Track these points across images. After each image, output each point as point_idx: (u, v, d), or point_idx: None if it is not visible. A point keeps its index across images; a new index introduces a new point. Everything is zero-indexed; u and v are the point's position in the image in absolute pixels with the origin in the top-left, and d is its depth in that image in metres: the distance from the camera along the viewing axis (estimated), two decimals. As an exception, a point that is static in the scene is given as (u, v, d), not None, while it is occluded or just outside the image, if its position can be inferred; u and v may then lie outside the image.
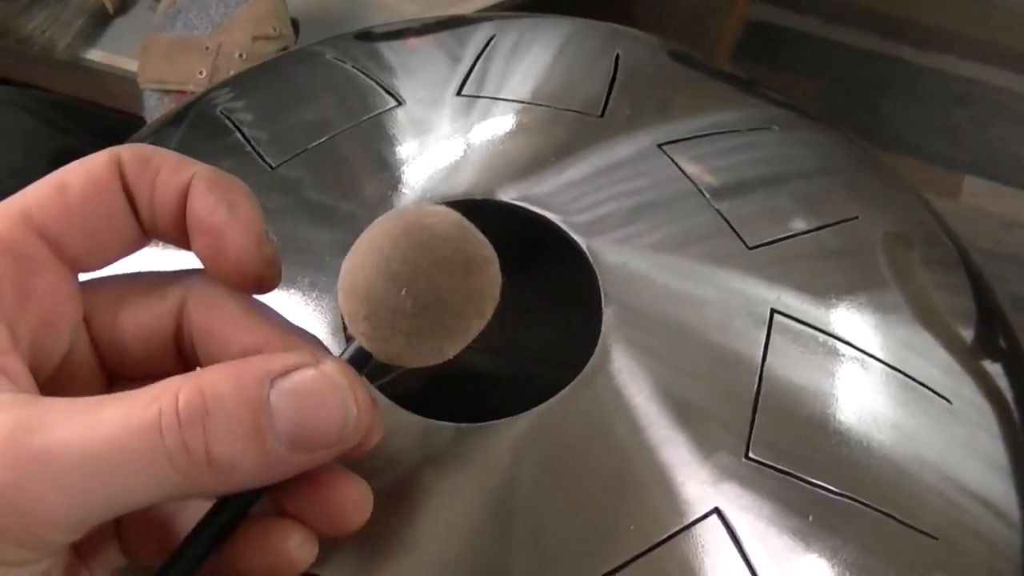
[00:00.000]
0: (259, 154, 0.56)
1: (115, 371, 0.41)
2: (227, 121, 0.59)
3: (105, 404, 0.33)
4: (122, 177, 0.38)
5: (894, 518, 0.46)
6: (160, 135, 0.62)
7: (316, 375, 0.35)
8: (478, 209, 0.52)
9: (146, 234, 0.40)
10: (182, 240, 0.40)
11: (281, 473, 0.35)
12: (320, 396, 0.35)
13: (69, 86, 1.20)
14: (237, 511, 0.38)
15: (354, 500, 0.39)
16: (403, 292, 0.37)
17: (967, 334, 0.54)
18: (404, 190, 0.53)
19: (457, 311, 0.38)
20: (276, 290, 0.48)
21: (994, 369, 0.53)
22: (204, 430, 0.33)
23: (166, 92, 1.07)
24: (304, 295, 0.50)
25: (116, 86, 1.19)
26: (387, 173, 0.54)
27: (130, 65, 1.15)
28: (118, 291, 0.41)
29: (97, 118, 0.86)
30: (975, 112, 1.13)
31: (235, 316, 0.39)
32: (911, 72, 1.16)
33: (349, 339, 0.40)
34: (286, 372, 0.35)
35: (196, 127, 0.61)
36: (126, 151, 0.39)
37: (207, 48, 1.06)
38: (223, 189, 0.39)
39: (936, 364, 0.51)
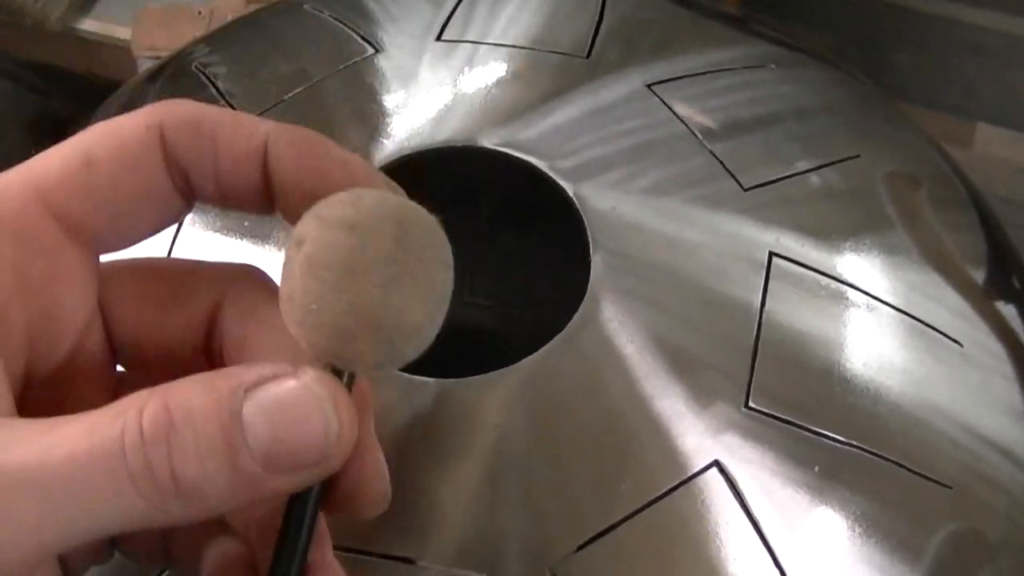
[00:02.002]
0: (232, 107, 0.54)
1: (133, 366, 0.37)
2: (202, 76, 0.57)
3: (69, 422, 0.30)
4: (165, 146, 0.34)
5: (905, 467, 0.44)
6: (137, 93, 0.61)
7: (294, 386, 0.31)
8: (460, 156, 0.50)
9: (189, 205, 0.36)
10: (265, 207, 0.36)
11: (259, 497, 0.31)
12: (298, 409, 0.30)
13: (63, 57, 1.19)
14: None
15: (378, 491, 0.35)
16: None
17: (978, 275, 0.51)
18: (383, 139, 0.51)
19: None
20: (252, 243, 0.46)
21: (1008, 311, 0.51)
22: (169, 448, 0.29)
23: (161, 59, 1.06)
24: (280, 247, 0.48)
25: (110, 56, 1.18)
26: (365, 123, 0.52)
27: (124, 34, 1.14)
28: (143, 282, 0.36)
29: (81, 82, 0.84)
30: (987, 60, 1.11)
31: (274, 329, 0.35)
32: (922, 22, 1.14)
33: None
34: (262, 383, 0.31)
35: (171, 83, 0.59)
36: (169, 114, 0.34)
37: (200, 13, 1.04)
38: (307, 144, 0.35)
39: (946, 306, 0.49)
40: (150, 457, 0.29)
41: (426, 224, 0.32)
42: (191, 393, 0.30)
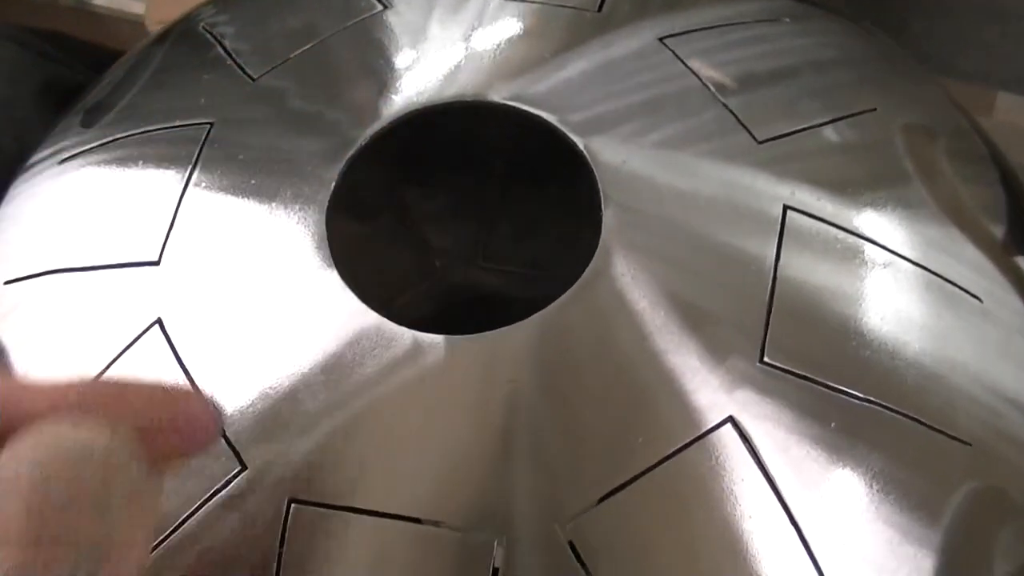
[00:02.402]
0: (240, 66, 0.54)
1: None
2: (208, 36, 0.57)
3: None
4: None
5: (924, 424, 0.43)
6: (144, 55, 0.60)
7: None
8: (469, 112, 0.49)
9: None
10: None
11: None
12: None
13: (76, 32, 1.18)
14: None
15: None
16: None
17: (998, 230, 0.50)
18: (392, 95, 0.51)
19: None
20: (260, 202, 0.45)
21: (1028, 265, 0.50)
22: None
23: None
24: (287, 207, 0.47)
25: (123, 30, 1.17)
26: (374, 78, 0.51)
27: (137, 8, 1.14)
28: None
29: (91, 50, 0.84)
30: (1008, 28, 1.09)
31: None
32: (941, -13, 1.12)
33: None
34: None
35: (179, 44, 0.59)
36: None
37: (214, -13, 1.04)
38: None
39: (965, 261, 0.48)
40: None
41: None
42: None
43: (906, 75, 0.57)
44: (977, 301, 0.47)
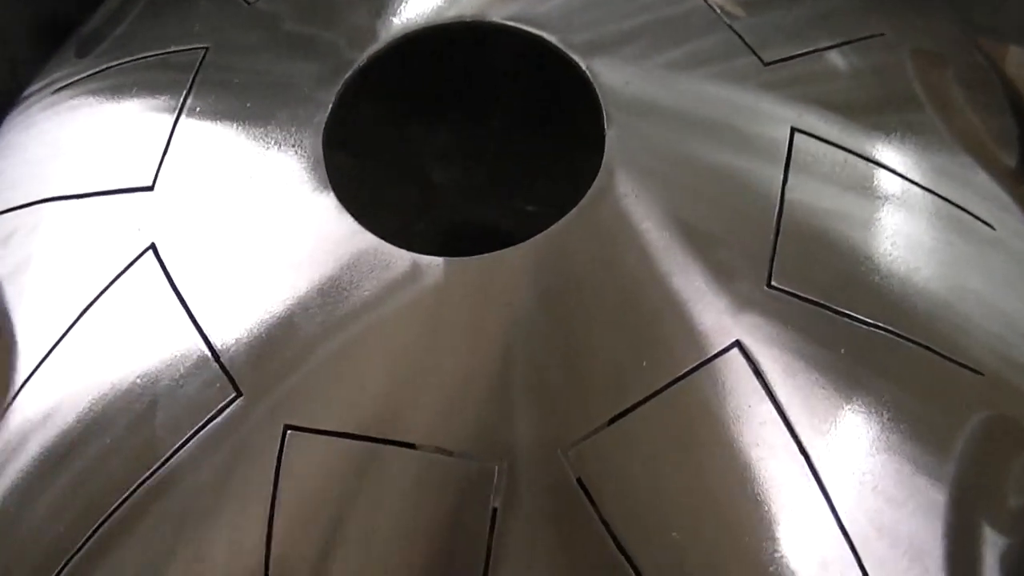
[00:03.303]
0: (231, -11, 0.53)
1: None
2: (200, -37, 0.55)
3: None
4: None
5: (934, 351, 0.42)
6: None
7: None
8: (469, 32, 0.48)
9: None
10: None
11: None
12: None
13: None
14: None
15: None
16: None
17: (1010, 158, 0.50)
18: (390, 16, 0.50)
19: None
20: (255, 126, 0.45)
21: (1041, 195, 0.49)
22: None
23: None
24: (283, 130, 0.46)
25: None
26: (371, 1, 0.50)
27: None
28: None
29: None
30: (1020, -20, 1.08)
31: None
32: (954, -60, 1.11)
33: None
34: None
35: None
36: None
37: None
38: None
39: (977, 189, 0.47)
40: None
41: None
42: None
43: (916, 2, 0.56)
44: (989, 229, 0.46)
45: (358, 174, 0.60)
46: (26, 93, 0.56)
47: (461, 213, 0.68)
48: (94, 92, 0.52)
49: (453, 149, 0.67)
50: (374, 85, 0.49)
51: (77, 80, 0.53)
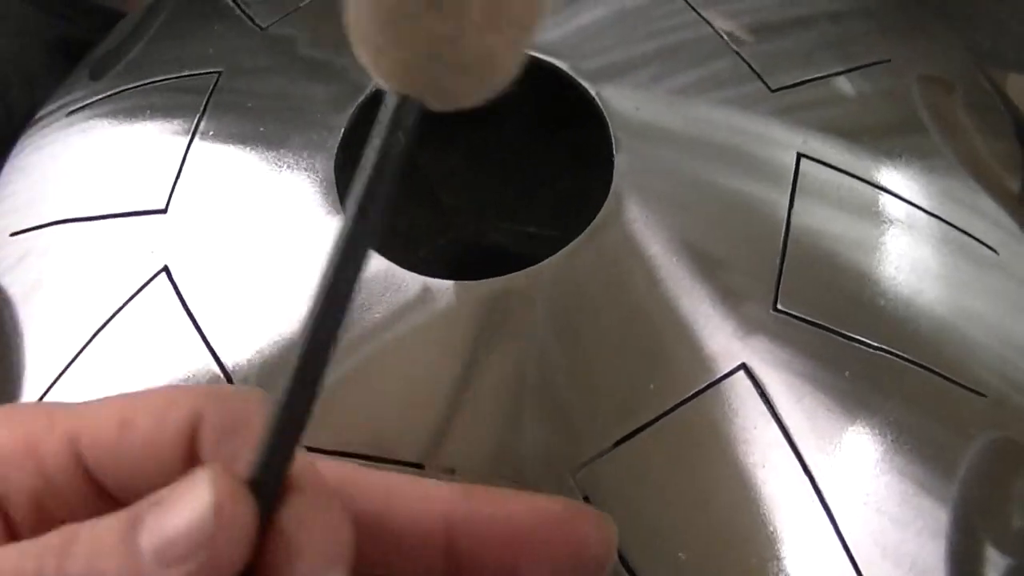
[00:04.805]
0: (248, 16, 0.53)
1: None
2: (217, -12, 0.56)
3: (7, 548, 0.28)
4: (194, 437, 0.31)
5: (939, 374, 0.43)
6: (153, 8, 0.60)
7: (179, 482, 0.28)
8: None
9: None
10: None
11: None
12: (173, 499, 0.27)
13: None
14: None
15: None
16: None
17: (1014, 183, 0.50)
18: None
19: None
20: (268, 150, 0.45)
21: (1044, 219, 0.50)
22: None
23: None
24: (295, 154, 0.47)
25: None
26: (384, 26, 0.51)
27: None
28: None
29: (104, 12, 0.83)
30: (1018, 8, 1.08)
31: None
32: (955, -34, 1.11)
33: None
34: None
35: (187, -1, 0.58)
36: (212, 409, 0.31)
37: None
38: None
39: (981, 213, 0.47)
40: None
41: None
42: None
43: (923, 28, 0.57)
44: (993, 253, 0.46)
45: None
46: (40, 114, 0.57)
47: (470, 235, 0.69)
48: (108, 114, 0.52)
49: (464, 171, 0.67)
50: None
51: (91, 102, 0.53)
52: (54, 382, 0.45)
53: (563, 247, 0.43)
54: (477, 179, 0.67)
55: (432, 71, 0.27)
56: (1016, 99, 0.59)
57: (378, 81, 0.28)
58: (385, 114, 0.27)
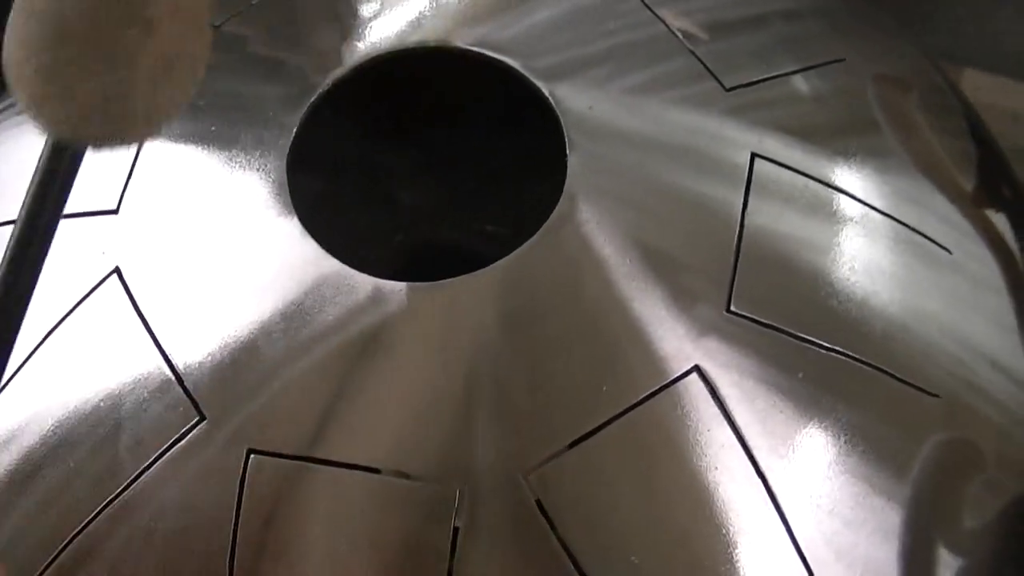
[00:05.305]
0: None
1: None
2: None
3: None
4: None
5: (891, 375, 0.43)
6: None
7: None
8: (432, 58, 0.49)
9: None
10: None
11: None
12: None
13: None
14: None
15: None
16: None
17: (968, 182, 0.50)
18: (355, 42, 0.50)
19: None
20: (219, 149, 0.45)
21: (998, 219, 0.50)
22: None
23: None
24: (247, 153, 0.47)
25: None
26: (337, 25, 0.51)
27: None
28: None
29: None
30: (975, 5, 1.08)
31: None
32: (908, -36, 1.11)
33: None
34: None
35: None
36: None
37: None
38: None
39: (934, 212, 0.48)
40: None
41: None
42: None
43: (878, 28, 0.57)
44: (946, 253, 0.46)
45: (323, 196, 0.60)
46: (-10, 114, 0.56)
47: (425, 234, 0.68)
48: (59, 113, 0.51)
49: (418, 170, 0.67)
50: (340, 108, 0.49)
51: (42, 101, 0.53)
52: (7, 383, 0.44)
53: (518, 246, 0.43)
54: (432, 178, 0.67)
55: (98, 123, 0.27)
56: (972, 96, 0.59)
57: (39, 127, 0.28)
58: (42, 160, 0.28)
